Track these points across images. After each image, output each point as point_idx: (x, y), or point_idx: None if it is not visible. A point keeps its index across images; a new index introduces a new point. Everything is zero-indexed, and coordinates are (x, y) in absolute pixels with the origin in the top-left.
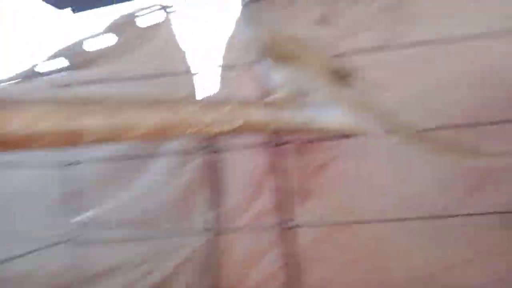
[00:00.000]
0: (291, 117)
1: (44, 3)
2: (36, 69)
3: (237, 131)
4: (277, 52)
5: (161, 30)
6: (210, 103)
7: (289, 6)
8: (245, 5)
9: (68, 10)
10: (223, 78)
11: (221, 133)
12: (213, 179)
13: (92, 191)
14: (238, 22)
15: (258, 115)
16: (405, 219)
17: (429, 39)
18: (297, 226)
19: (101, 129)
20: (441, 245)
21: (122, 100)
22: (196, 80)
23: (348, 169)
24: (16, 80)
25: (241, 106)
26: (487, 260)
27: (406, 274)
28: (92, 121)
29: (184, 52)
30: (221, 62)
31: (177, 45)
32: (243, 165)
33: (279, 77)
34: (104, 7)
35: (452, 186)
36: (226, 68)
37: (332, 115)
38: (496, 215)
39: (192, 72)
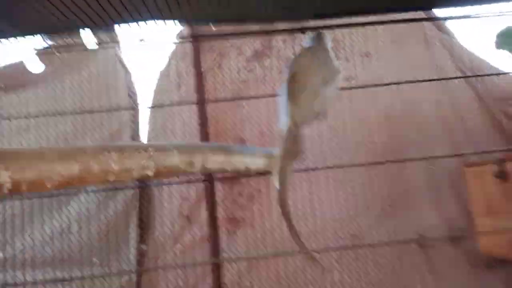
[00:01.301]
0: (206, 161)
1: None
2: None
3: (155, 177)
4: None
5: (103, 53)
6: (129, 150)
7: (225, 43)
8: (180, 42)
9: None
10: (152, 116)
11: (140, 179)
12: (142, 213)
13: (8, 229)
14: (172, 58)
15: (174, 160)
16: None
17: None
18: (226, 258)
19: (14, 181)
20: (357, 270)
21: (34, 152)
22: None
23: (274, 200)
24: None
25: (157, 151)
26: (398, 282)
27: None
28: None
29: (130, 76)
30: (152, 97)
31: (122, 68)
32: (173, 198)
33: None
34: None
35: (367, 212)
36: (157, 105)
37: (249, 157)
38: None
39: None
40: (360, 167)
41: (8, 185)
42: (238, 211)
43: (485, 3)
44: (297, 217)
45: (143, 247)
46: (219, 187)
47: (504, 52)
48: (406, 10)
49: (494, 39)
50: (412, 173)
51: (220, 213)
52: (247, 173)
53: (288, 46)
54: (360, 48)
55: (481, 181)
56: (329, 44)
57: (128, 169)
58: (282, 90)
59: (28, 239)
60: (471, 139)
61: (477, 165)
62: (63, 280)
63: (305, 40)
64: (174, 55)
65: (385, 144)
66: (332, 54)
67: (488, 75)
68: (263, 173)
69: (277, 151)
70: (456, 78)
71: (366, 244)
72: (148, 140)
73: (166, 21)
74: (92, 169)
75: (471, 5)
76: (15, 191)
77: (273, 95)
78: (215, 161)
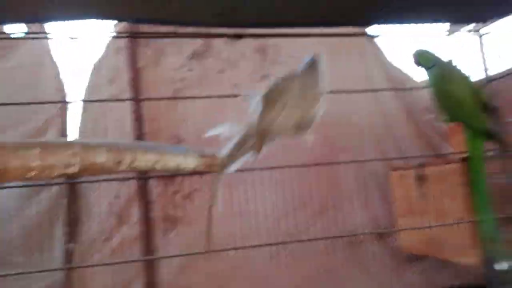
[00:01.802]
0: (135, 159)
1: None
2: None
3: (79, 174)
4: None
5: (30, 44)
6: (52, 146)
7: (162, 42)
8: (115, 37)
9: None
10: (83, 112)
11: (63, 176)
12: (70, 211)
13: None
14: (106, 52)
15: (101, 158)
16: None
17: None
18: (161, 256)
19: None
20: (291, 267)
21: None
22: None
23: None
24: None
25: (84, 149)
26: (330, 277)
27: None
28: None
29: (57, 68)
30: (84, 93)
31: (49, 60)
32: (104, 196)
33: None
34: None
35: (301, 212)
36: (89, 98)
37: (181, 157)
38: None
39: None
40: (295, 169)
41: None
42: (173, 209)
43: (413, 23)
44: (233, 216)
45: (71, 246)
46: (153, 185)
47: (421, 69)
48: (342, 25)
49: (413, 57)
50: (344, 176)
51: (155, 211)
52: (183, 172)
53: (228, 48)
54: (299, 57)
55: (404, 183)
56: (320, 71)
57: (51, 166)
58: (256, 94)
59: None
60: (398, 145)
61: (400, 169)
62: None
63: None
64: (108, 49)
65: (319, 148)
66: (321, 79)
67: (410, 89)
68: (200, 172)
69: (212, 151)
70: (385, 89)
71: (298, 240)
72: (79, 137)
73: (101, 19)
74: (11, 165)
75: (401, 23)
76: None
77: (211, 96)
78: (145, 160)
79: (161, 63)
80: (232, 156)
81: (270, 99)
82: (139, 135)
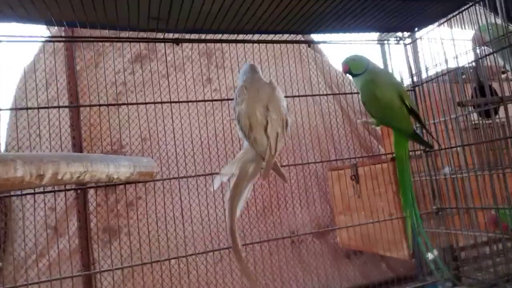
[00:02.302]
0: (59, 172)
1: None
2: None
3: None
4: None
5: None
6: None
7: (103, 44)
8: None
9: None
10: (14, 119)
11: None
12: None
13: None
14: (41, 54)
15: (18, 173)
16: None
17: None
18: (100, 270)
19: None
20: (236, 267)
21: None
22: None
23: (154, 205)
24: None
25: (1, 162)
26: (274, 276)
27: None
28: None
29: None
30: (15, 98)
31: None
32: (37, 208)
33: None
34: None
35: (246, 213)
36: (22, 103)
37: (112, 167)
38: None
39: None
40: None
41: None
42: (113, 219)
43: (348, 32)
44: (176, 222)
45: (1, 264)
46: (92, 195)
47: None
48: (285, 32)
49: (342, 65)
50: (286, 177)
51: (94, 222)
52: (117, 182)
53: (172, 51)
54: (242, 60)
55: (340, 183)
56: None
57: None
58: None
59: None
60: (336, 146)
61: (338, 169)
62: None
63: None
64: (43, 51)
65: None
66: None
67: (349, 93)
68: (136, 182)
69: (147, 159)
70: (324, 95)
71: (246, 243)
72: (7, 146)
73: (34, 23)
74: None
75: (340, 32)
76: None
77: (153, 102)
78: (71, 172)
79: (101, 66)
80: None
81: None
82: (77, 142)
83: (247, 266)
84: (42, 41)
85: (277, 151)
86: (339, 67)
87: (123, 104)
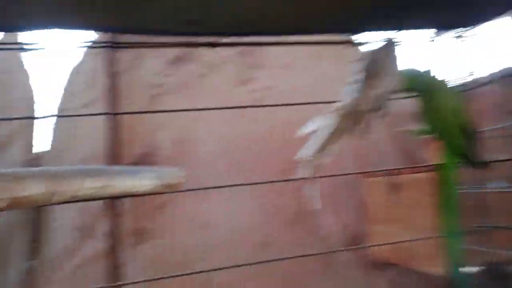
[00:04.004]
0: (81, 185)
1: None
2: None
3: (7, 209)
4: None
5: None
6: None
7: (142, 49)
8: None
9: None
10: (57, 122)
11: None
12: (31, 226)
13: None
14: (84, 58)
15: (36, 189)
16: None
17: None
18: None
19: None
20: (264, 274)
21: None
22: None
23: (183, 209)
24: None
25: (15, 180)
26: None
27: None
28: None
29: (27, 76)
30: (60, 101)
31: (20, 68)
32: (69, 210)
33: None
34: None
35: (274, 221)
36: (65, 105)
37: (134, 179)
38: None
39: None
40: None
41: None
42: (143, 222)
43: (396, 29)
44: (202, 228)
45: (33, 263)
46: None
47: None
48: (324, 32)
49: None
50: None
51: (123, 224)
52: (138, 194)
53: (210, 51)
54: (281, 59)
55: (376, 191)
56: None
57: None
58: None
59: None
60: (375, 149)
61: (374, 176)
62: None
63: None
64: (86, 54)
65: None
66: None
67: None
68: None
69: (169, 170)
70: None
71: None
72: (51, 148)
73: (75, 29)
74: None
75: (384, 30)
76: None
77: (190, 109)
78: (89, 188)
79: (140, 68)
80: (324, 150)
81: (368, 76)
82: (116, 144)
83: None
84: (84, 47)
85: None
86: None
87: (158, 111)
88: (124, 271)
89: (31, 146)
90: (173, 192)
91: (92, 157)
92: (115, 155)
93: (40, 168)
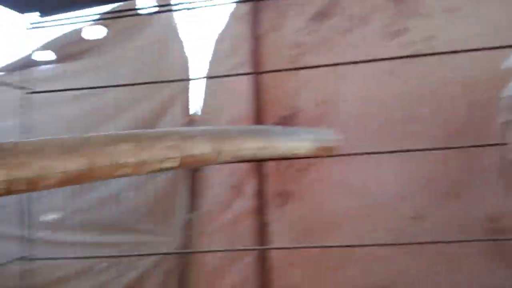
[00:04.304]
0: (242, 145)
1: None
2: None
3: (178, 167)
4: None
5: (158, 20)
6: (147, 139)
7: (284, 4)
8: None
9: (33, 14)
10: (206, 86)
11: (158, 171)
12: (190, 182)
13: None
14: (229, 20)
15: (203, 148)
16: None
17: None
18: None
19: (10, 180)
20: (416, 251)
21: (34, 146)
22: (189, 73)
23: (328, 173)
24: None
25: (183, 139)
26: (460, 267)
27: (375, 280)
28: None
29: (182, 43)
30: (207, 65)
31: (175, 35)
32: (222, 167)
33: None
34: (75, 10)
35: (426, 191)
36: (211, 71)
37: (294, 141)
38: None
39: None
40: (422, 144)
41: (3, 185)
42: (287, 184)
43: None
44: (351, 195)
45: (192, 215)
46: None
47: None
48: None
49: None
50: (485, 155)
51: (269, 186)
52: (291, 157)
53: (356, 2)
54: (443, 3)
55: None
56: None
57: (146, 162)
58: None
59: (79, 203)
60: None
61: None
62: (109, 244)
63: None
64: (230, 18)
65: (461, 119)
66: None
67: None
68: (310, 157)
69: (326, 132)
70: None
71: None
72: (202, 112)
73: None
74: (99, 164)
75: None
76: (13, 191)
77: (334, 63)
78: (251, 148)
79: (282, 28)
80: None
81: None
82: (258, 106)
83: None
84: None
85: None
86: None
87: (301, 68)
88: (271, 229)
89: (187, 109)
90: (328, 156)
91: (238, 119)
92: (260, 117)
93: (204, 127)
